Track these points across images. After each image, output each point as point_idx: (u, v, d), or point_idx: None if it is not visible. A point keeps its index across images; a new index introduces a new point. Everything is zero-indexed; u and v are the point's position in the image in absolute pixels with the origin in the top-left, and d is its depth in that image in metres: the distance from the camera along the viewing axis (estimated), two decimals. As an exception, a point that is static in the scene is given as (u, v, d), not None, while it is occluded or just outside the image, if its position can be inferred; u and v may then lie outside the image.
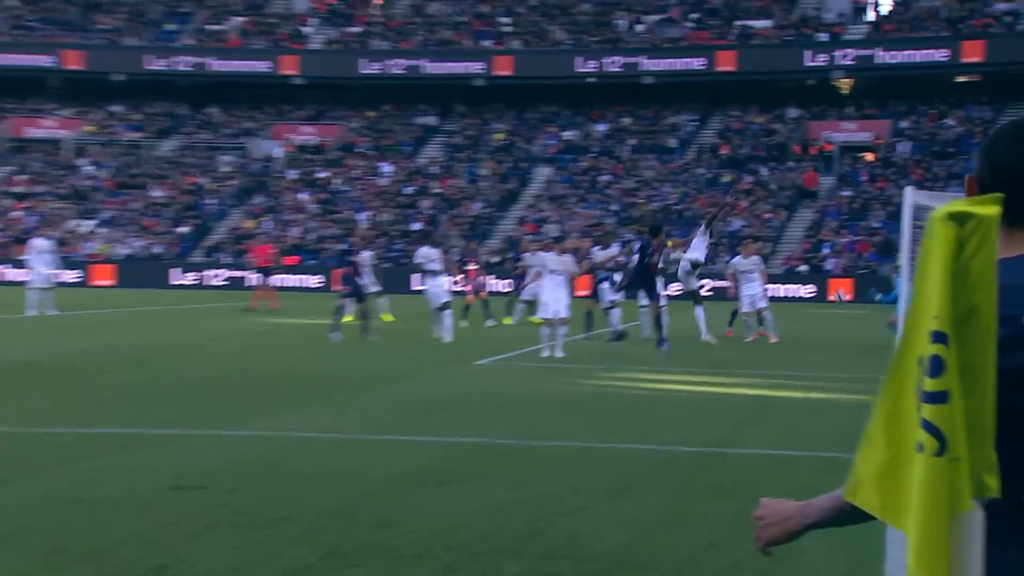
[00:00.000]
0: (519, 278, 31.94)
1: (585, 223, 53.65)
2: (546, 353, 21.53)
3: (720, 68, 60.09)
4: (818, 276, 48.18)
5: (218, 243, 57.66)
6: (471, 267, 31.98)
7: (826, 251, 50.53)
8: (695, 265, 24.94)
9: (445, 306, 25.08)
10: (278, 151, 64.91)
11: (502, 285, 33.59)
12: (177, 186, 61.98)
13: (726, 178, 57.07)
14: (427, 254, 25.84)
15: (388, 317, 31.43)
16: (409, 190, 60.79)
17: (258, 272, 38.04)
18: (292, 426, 13.33)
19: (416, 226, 56.38)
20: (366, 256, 31.88)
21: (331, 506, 9.31)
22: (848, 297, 45.00)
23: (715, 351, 22.77)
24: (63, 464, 11.03)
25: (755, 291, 25.88)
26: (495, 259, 33.18)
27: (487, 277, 32.24)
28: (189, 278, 53.82)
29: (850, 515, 2.67)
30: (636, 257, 22.95)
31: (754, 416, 14.45)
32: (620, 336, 24.58)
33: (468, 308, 30.75)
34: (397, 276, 46.81)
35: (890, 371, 2.23)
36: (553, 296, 21.78)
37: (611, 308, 25.39)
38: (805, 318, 34.99)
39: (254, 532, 8.55)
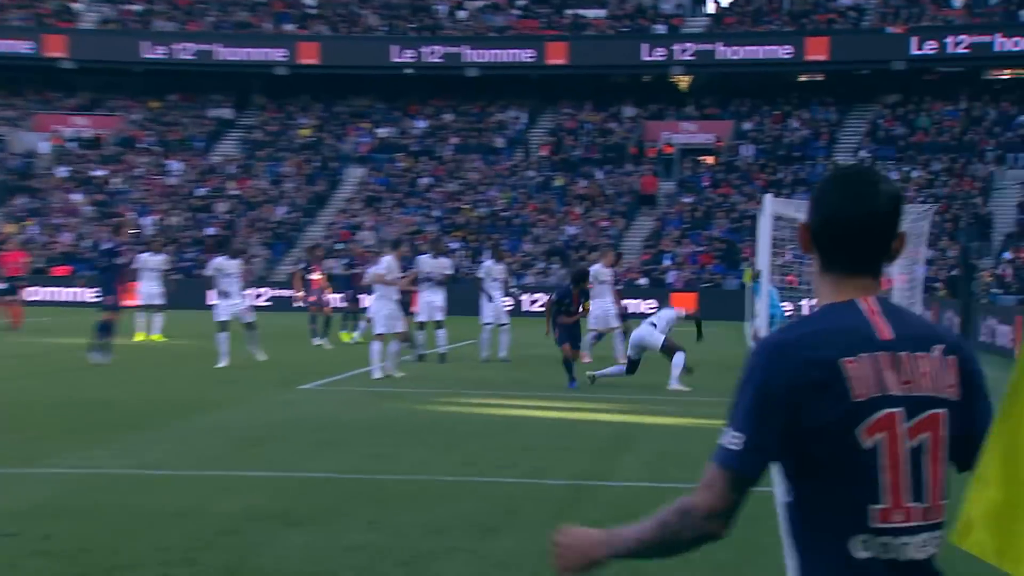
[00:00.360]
0: (355, 289, 31.61)
1: (404, 230, 53.72)
2: (377, 374, 21.54)
3: (550, 61, 60.97)
4: (659, 290, 49.21)
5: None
6: (315, 277, 31.20)
7: (667, 263, 51.64)
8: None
9: (249, 326, 24.63)
10: (44, 145, 63.23)
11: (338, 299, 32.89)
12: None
13: (558, 181, 57.90)
14: (221, 265, 25.02)
15: (141, 336, 30.95)
16: (202, 191, 59.99)
17: (7, 282, 36.43)
18: (105, 462, 13.10)
19: (211, 232, 55.66)
20: (152, 260, 31.39)
21: (170, 552, 9.19)
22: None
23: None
24: None
25: (608, 307, 26.27)
26: (337, 269, 32.41)
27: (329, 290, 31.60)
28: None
29: (658, 548, 3.02)
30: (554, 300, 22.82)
31: (619, 445, 14.73)
32: (421, 358, 25.19)
33: (328, 322, 30.23)
34: (189, 289, 46.09)
35: (1003, 408, 2.36)
36: (386, 309, 21.87)
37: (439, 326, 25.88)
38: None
39: (91, 583, 8.42)
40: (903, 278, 27.76)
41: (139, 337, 31.00)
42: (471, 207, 56.84)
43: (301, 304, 32.01)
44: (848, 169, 3.09)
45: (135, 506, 10.83)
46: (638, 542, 3.02)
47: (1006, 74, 62.08)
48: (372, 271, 23.01)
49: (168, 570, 8.71)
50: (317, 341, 29.88)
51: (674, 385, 20.73)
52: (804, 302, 28.24)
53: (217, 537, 9.73)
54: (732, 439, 2.91)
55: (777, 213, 26.14)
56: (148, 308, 31.45)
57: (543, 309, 26.88)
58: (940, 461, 2.90)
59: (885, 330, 2.90)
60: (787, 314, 27.67)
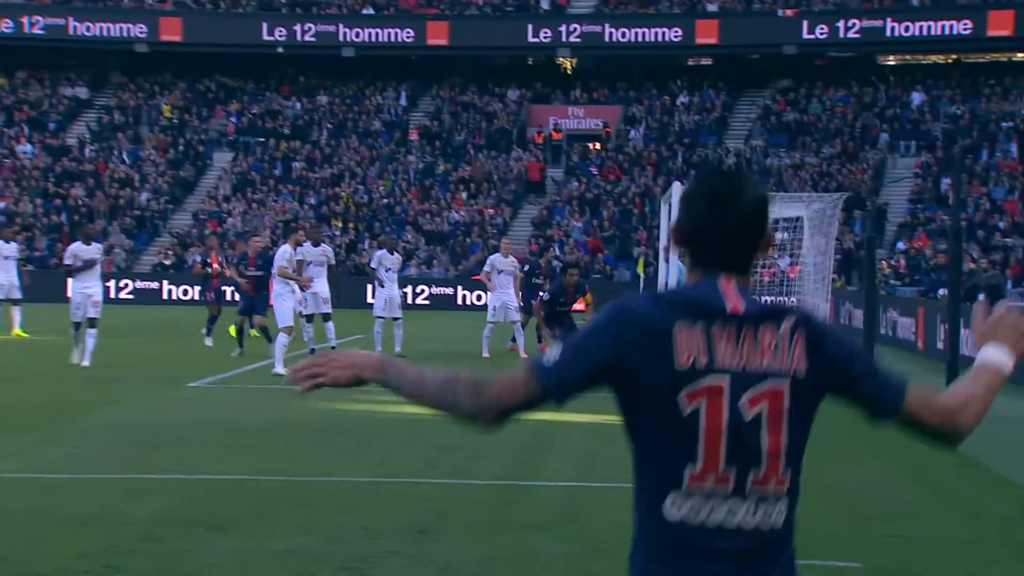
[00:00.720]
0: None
1: (278, 217, 53.46)
2: (280, 370, 21.41)
3: (431, 41, 60.87)
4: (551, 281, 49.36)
5: None
6: (215, 268, 29.73)
7: (556, 251, 52.02)
8: None
9: (91, 323, 23.04)
10: None
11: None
12: None
13: (441, 168, 57.96)
14: (78, 251, 23.71)
15: (21, 333, 30.44)
16: (55, 175, 58.95)
17: None
18: (-4, 465, 12.94)
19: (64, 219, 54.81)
20: (6, 249, 30.72)
21: (91, 559, 9.12)
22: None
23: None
24: None
25: (509, 298, 26.40)
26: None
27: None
28: None
29: (431, 400, 3.28)
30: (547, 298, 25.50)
31: (541, 444, 14.88)
32: (312, 352, 24.92)
33: (214, 320, 28.87)
34: (44, 280, 45.39)
35: None
36: (290, 301, 21.86)
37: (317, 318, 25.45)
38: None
39: (12, 593, 8.35)
40: (813, 268, 28.35)
41: (19, 334, 30.35)
42: (349, 194, 56.62)
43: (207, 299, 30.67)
44: (716, 174, 3.29)
45: (42, 512, 10.68)
46: (416, 385, 3.26)
47: (897, 59, 63.33)
48: (275, 262, 22.94)
49: (93, 579, 8.67)
50: (208, 341, 28.51)
51: None
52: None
53: (139, 543, 9.67)
54: (552, 355, 3.21)
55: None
56: (4, 302, 30.83)
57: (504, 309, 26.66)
58: (782, 433, 3.10)
59: (736, 304, 3.11)
60: None
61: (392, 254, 27.48)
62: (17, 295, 30.88)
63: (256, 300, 25.31)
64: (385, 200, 56.44)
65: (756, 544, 3.11)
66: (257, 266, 25.36)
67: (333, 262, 25.70)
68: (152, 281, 51.08)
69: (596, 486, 12.28)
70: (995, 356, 3.39)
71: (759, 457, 3.09)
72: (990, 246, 47.00)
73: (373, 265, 27.57)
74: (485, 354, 26.22)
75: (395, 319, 26.20)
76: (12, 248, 31.74)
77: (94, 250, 24.12)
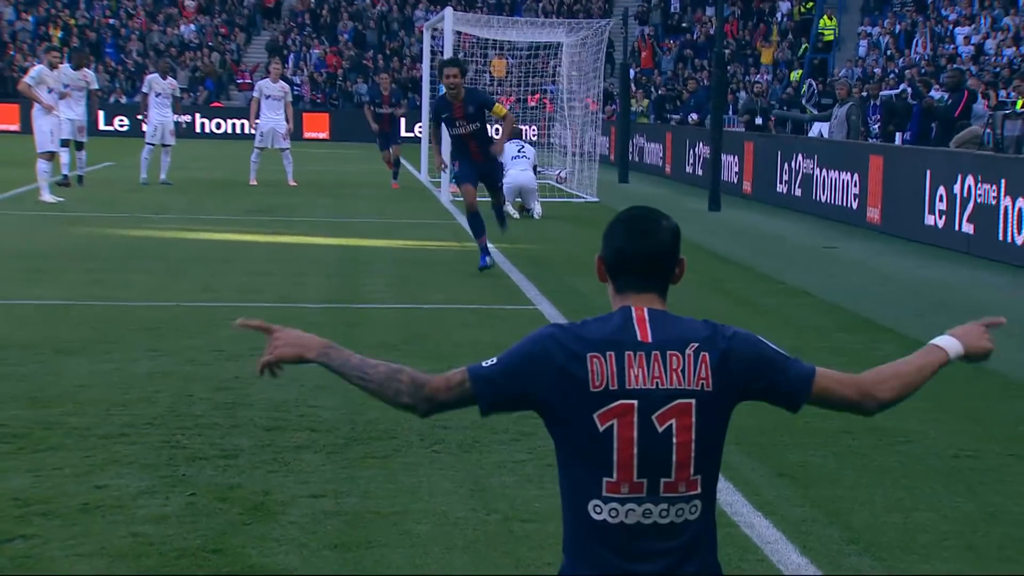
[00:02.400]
0: None
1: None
2: (47, 197, 20.78)
3: None
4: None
5: None
6: None
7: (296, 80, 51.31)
8: None
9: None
10: None
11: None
12: None
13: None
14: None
15: None
16: None
17: None
18: None
19: None
20: None
21: (-48, 384, 8.94)
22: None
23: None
24: None
25: (277, 123, 26.14)
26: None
27: None
28: None
29: (372, 387, 3.57)
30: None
31: (351, 268, 14.93)
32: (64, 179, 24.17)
33: None
34: None
35: None
36: (49, 125, 21.14)
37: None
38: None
39: None
40: (589, 101, 28.69)
41: None
42: (70, 15, 54.45)
43: None
44: (634, 211, 3.63)
45: None
46: (357, 370, 3.53)
47: None
48: (22, 82, 22.01)
49: (-38, 402, 8.51)
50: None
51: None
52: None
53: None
54: (488, 362, 3.51)
55: (459, 28, 26.76)
56: None
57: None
58: (692, 443, 3.41)
59: (645, 333, 3.43)
60: None
61: (165, 78, 26.73)
62: None
63: None
64: (111, 20, 54.54)
65: (670, 540, 3.44)
66: None
67: (95, 86, 24.93)
68: None
69: (423, 307, 12.47)
70: (945, 341, 3.72)
71: (669, 466, 3.40)
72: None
73: (144, 90, 26.71)
74: (253, 181, 25.96)
75: (165, 146, 25.65)
76: None
77: None
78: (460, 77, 14.88)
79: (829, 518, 6.84)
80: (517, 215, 20.92)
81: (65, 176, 24.21)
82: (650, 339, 3.42)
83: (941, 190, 18.62)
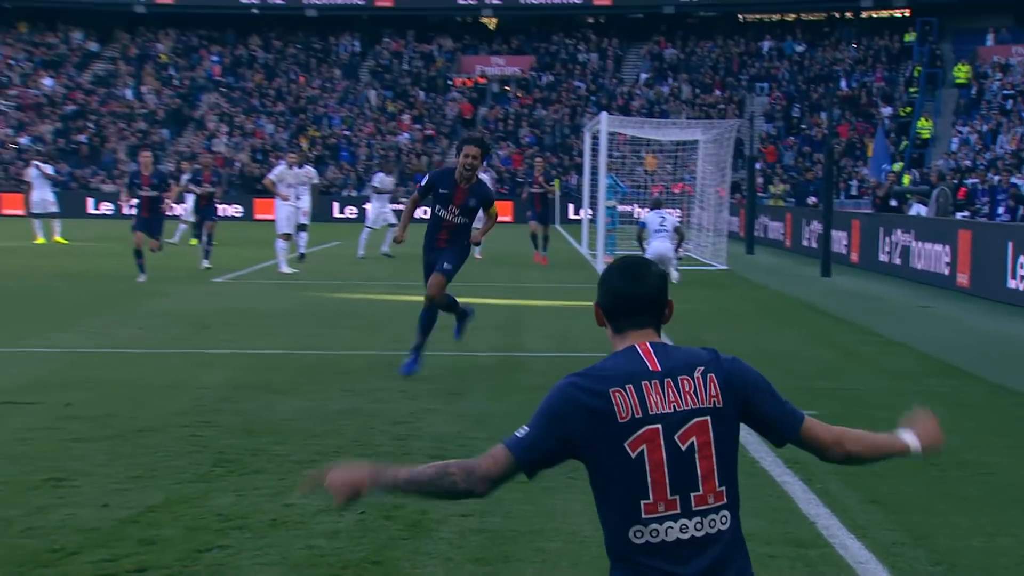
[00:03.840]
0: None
1: (259, 143, 52.43)
2: (285, 269, 20.95)
3: (378, 4, 59.77)
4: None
5: None
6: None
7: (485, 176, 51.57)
8: None
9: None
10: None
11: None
12: None
13: (391, 107, 57.07)
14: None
15: (61, 240, 29.76)
16: (71, 107, 57.27)
17: None
18: (78, 342, 12.46)
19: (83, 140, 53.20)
20: (45, 169, 30.02)
21: (185, 416, 8.77)
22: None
23: None
24: None
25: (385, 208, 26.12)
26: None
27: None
28: None
29: (428, 490, 3.25)
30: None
31: (514, 323, 14.60)
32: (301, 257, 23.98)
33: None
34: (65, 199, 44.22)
35: None
36: (285, 211, 21.28)
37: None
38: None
39: (126, 443, 7.97)
40: (720, 190, 28.12)
41: (40, 241, 29.61)
42: (314, 126, 55.64)
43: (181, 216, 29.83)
44: (626, 259, 3.37)
45: (129, 379, 10.34)
46: (409, 482, 3.23)
47: (752, 17, 62.98)
48: (267, 178, 22.22)
49: (193, 430, 8.33)
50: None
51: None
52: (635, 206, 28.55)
53: (219, 404, 9.34)
54: (521, 430, 3.21)
55: (611, 129, 26.41)
56: (43, 216, 30.06)
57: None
58: (714, 457, 3.13)
59: (654, 363, 3.16)
60: (626, 192, 27.94)
61: (389, 176, 27.08)
62: (54, 209, 30.22)
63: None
64: (345, 132, 55.49)
65: (706, 550, 3.13)
66: (152, 185, 19.28)
67: (316, 181, 25.15)
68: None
69: (574, 355, 12.03)
70: (908, 436, 3.43)
71: (696, 481, 3.12)
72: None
73: (376, 185, 26.68)
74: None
75: (391, 225, 25.31)
76: (49, 169, 31.08)
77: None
78: (480, 160, 10.66)
79: (916, 541, 6.23)
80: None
81: (302, 254, 24.21)
82: (659, 368, 3.17)
83: (1022, 259, 17.73)
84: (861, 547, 6.10)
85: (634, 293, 3.26)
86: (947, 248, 21.00)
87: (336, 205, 49.32)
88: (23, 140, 54.21)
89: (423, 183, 10.96)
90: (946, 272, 20.95)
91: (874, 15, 58.42)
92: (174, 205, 26.13)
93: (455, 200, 10.63)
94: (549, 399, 3.20)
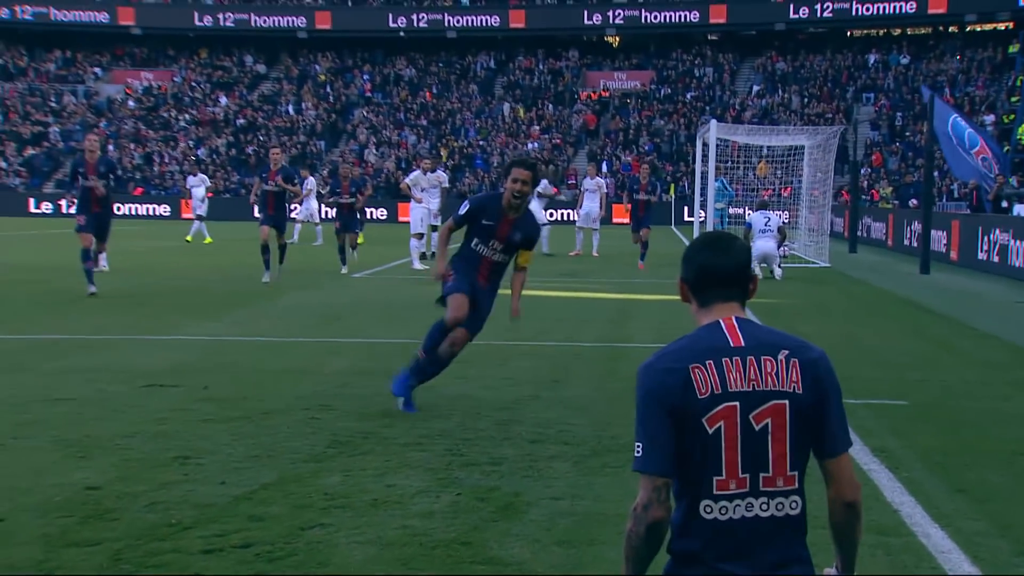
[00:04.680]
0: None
1: (402, 152, 52.77)
2: (417, 265, 20.91)
3: (512, 25, 59.62)
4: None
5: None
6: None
7: (604, 169, 51.05)
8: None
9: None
10: (118, 92, 61.49)
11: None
12: (25, 122, 58.12)
13: (520, 114, 56.96)
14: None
15: (208, 239, 30.33)
16: (241, 121, 58.49)
17: None
18: (222, 332, 12.48)
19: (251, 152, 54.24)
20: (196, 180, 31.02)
21: (307, 400, 8.62)
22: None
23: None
24: (15, 370, 9.95)
25: (591, 210, 25.84)
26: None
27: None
28: (45, 207, 50.66)
29: (634, 559, 2.95)
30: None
31: (624, 316, 14.21)
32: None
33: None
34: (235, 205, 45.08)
35: None
36: (419, 213, 21.20)
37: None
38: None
39: (251, 424, 7.83)
40: (816, 192, 27.25)
41: (207, 240, 30.27)
42: (453, 136, 55.82)
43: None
44: (712, 234, 3.08)
45: (262, 365, 10.25)
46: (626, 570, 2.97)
47: (859, 33, 61.22)
48: (403, 182, 22.21)
49: (311, 414, 8.16)
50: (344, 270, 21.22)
51: None
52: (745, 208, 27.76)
53: (339, 388, 9.17)
54: (637, 448, 2.92)
55: (719, 136, 25.71)
56: (199, 217, 30.92)
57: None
58: (786, 440, 2.85)
59: (737, 339, 2.89)
60: (733, 196, 27.23)
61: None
62: (201, 212, 31.14)
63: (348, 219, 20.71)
64: (480, 142, 55.55)
65: (770, 531, 2.85)
66: (350, 192, 20.69)
67: (446, 185, 24.90)
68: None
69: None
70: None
71: (767, 462, 2.85)
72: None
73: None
74: (576, 251, 25.35)
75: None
76: (200, 179, 32.20)
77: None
78: (531, 186, 7.96)
79: (1001, 531, 5.67)
80: (761, 275, 19.51)
81: (434, 252, 23.94)
82: (743, 343, 2.88)
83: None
84: (944, 536, 5.59)
85: (719, 264, 2.99)
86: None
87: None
88: (200, 152, 55.57)
89: (463, 211, 8.07)
90: (1043, 269, 19.91)
91: (978, 28, 56.27)
92: (297, 205, 26.31)
93: (499, 234, 8.02)
94: (641, 397, 2.92)
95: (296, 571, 5.00)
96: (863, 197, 39.75)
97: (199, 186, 31.69)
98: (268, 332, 12.44)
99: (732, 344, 2.87)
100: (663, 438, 2.85)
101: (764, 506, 2.83)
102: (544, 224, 24.30)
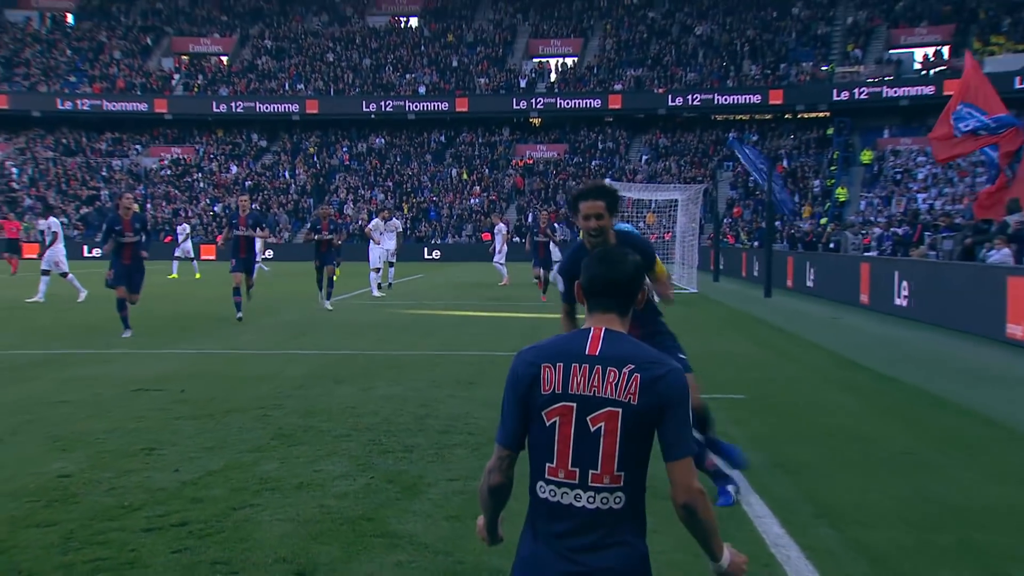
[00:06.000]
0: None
1: (372, 207, 52.05)
2: (376, 293, 20.37)
3: (459, 109, 59.35)
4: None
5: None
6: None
7: (529, 219, 50.72)
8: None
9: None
10: (153, 164, 60.23)
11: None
12: (82, 188, 56.62)
13: (464, 176, 56.58)
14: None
15: (197, 275, 29.60)
16: (248, 183, 57.44)
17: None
18: (209, 345, 11.89)
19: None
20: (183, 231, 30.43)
21: (263, 400, 8.11)
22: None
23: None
24: (29, 379, 9.32)
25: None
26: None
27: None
28: (95, 252, 49.13)
29: (484, 506, 2.69)
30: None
31: (535, 331, 13.82)
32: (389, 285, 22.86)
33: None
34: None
35: None
36: (376, 252, 20.69)
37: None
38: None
39: (212, 421, 7.31)
40: (688, 232, 27.11)
41: (197, 276, 29.38)
42: (412, 194, 55.27)
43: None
44: (607, 250, 2.67)
45: (234, 372, 9.70)
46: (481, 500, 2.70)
47: (723, 118, 61.71)
48: (367, 228, 21.72)
49: (265, 412, 7.66)
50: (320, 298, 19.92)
51: None
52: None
53: (292, 391, 8.67)
54: (500, 427, 2.60)
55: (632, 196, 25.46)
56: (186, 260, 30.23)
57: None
58: (617, 443, 2.49)
59: (595, 349, 2.50)
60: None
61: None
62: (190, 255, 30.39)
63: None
64: (435, 198, 55.04)
65: (592, 520, 2.49)
66: (247, 226, 15.29)
67: (400, 230, 24.29)
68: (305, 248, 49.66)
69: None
70: (727, 554, 2.51)
71: (596, 460, 2.48)
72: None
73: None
74: (504, 281, 24.81)
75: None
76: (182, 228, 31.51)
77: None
78: (610, 214, 4.70)
79: (806, 497, 5.40)
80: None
81: (390, 284, 23.57)
82: (598, 353, 2.47)
83: (904, 283, 16.57)
84: (761, 503, 5.27)
85: (604, 276, 2.61)
86: (852, 276, 19.89)
87: (425, 249, 48.90)
88: (216, 208, 54.41)
89: (562, 288, 5.22)
90: (852, 293, 19.84)
91: (805, 115, 57.28)
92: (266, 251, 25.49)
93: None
94: (508, 374, 2.60)
95: (220, 546, 4.52)
96: (722, 239, 39.83)
97: (183, 232, 31.23)
98: (244, 346, 11.88)
99: (587, 352, 2.51)
100: (512, 418, 2.54)
101: (591, 499, 2.48)
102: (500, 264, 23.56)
